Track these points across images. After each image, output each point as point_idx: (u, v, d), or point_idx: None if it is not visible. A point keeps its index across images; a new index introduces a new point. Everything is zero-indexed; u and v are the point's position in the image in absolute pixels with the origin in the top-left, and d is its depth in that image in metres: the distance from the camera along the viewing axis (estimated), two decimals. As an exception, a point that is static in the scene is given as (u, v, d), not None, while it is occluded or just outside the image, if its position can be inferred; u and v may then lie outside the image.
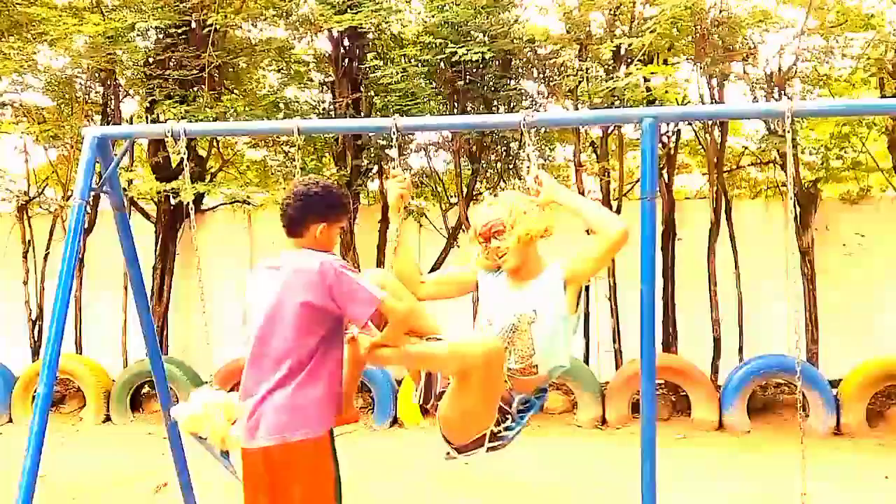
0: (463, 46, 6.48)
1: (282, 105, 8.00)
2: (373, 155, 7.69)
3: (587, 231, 2.79)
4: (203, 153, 8.51)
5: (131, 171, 8.16)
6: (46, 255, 8.17)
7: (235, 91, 8.18)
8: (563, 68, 7.24)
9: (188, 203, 3.50)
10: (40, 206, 8.51)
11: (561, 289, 2.69)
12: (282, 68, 8.30)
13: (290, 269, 2.55)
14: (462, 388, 2.48)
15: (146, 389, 7.54)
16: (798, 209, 7.19)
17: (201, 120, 6.71)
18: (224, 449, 2.80)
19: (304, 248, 2.63)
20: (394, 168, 2.93)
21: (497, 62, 7.35)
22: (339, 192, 2.71)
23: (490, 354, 2.39)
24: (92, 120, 8.17)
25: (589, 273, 2.75)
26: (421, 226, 8.01)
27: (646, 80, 5.84)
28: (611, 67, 7.14)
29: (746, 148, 8.35)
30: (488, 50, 6.59)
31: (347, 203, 2.72)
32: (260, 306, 2.59)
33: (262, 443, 2.47)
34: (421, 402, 2.75)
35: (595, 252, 2.68)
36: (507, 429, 2.66)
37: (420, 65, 7.09)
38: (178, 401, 5.86)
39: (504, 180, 8.09)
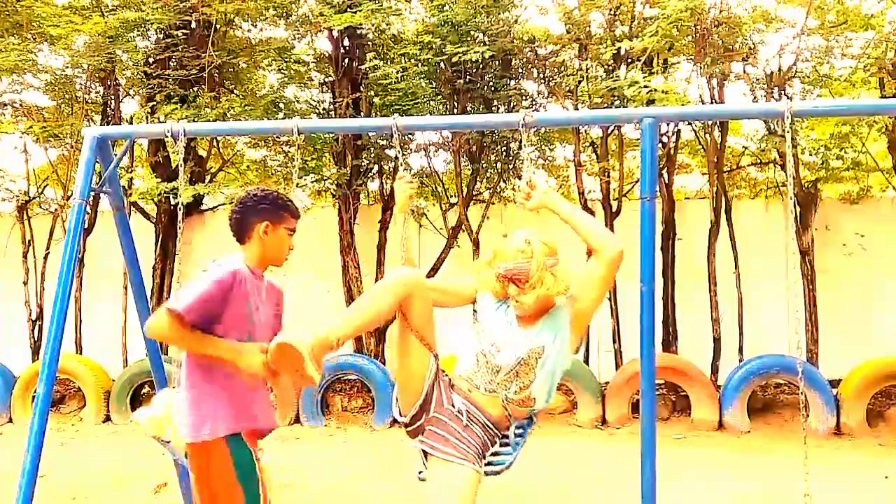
0: (463, 46, 6.48)
1: (282, 105, 8.00)
2: (373, 155, 7.69)
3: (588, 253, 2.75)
4: (203, 153, 8.52)
5: (131, 171, 8.16)
6: (46, 255, 8.17)
7: (235, 91, 8.18)
8: (563, 68, 7.24)
9: (186, 203, 3.50)
10: (40, 206, 8.51)
11: (567, 329, 2.71)
12: (282, 68, 8.30)
13: (210, 265, 2.63)
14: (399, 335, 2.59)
15: (146, 389, 7.54)
16: (798, 209, 7.19)
17: (201, 120, 6.71)
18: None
19: (247, 260, 2.64)
20: (402, 170, 2.91)
21: (497, 62, 7.35)
22: (278, 194, 2.71)
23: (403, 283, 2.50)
24: (92, 120, 8.17)
25: (593, 309, 2.75)
26: (421, 226, 8.01)
27: (646, 83, 5.83)
28: (611, 67, 7.15)
29: (746, 148, 8.36)
30: (488, 50, 6.59)
31: (288, 203, 2.71)
32: None
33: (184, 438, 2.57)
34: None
35: (596, 281, 2.69)
36: (503, 452, 2.70)
37: (420, 64, 7.09)
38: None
39: (504, 180, 8.09)
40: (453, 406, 2.67)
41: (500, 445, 2.72)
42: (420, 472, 2.74)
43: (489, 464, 2.67)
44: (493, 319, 2.75)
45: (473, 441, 2.62)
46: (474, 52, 6.37)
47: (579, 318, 2.73)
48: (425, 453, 2.66)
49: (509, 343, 2.68)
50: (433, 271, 7.56)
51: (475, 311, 2.81)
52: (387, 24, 7.05)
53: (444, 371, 2.75)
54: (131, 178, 8.05)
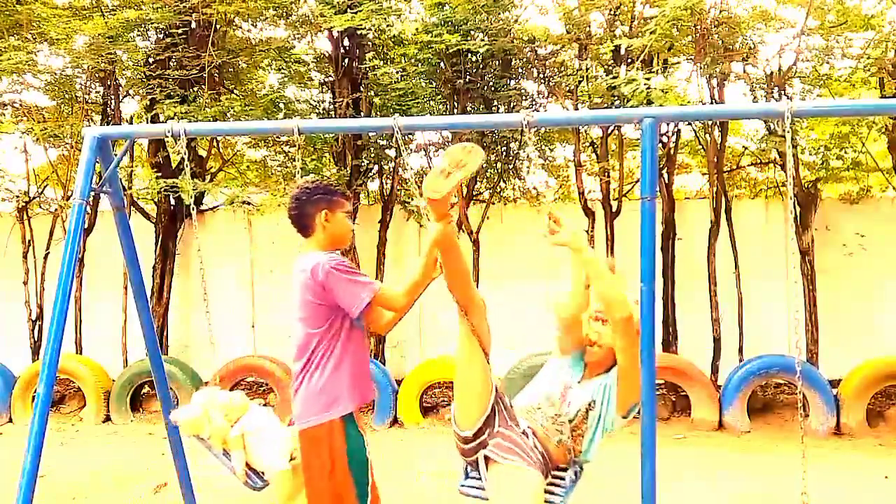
0: (462, 44, 6.47)
1: (282, 105, 8.00)
2: (373, 155, 7.68)
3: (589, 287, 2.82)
4: (203, 153, 8.52)
5: (132, 171, 8.16)
6: (46, 256, 8.17)
7: (235, 91, 8.18)
8: (563, 68, 7.24)
9: (189, 203, 3.51)
10: (40, 206, 8.51)
11: (614, 385, 2.84)
12: (282, 68, 8.29)
13: (297, 271, 2.78)
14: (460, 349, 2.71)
15: (146, 389, 7.54)
16: (798, 209, 7.19)
17: (201, 120, 6.71)
18: (225, 449, 2.82)
19: (314, 248, 2.82)
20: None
21: (497, 62, 7.35)
22: (329, 183, 2.91)
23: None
24: (92, 120, 8.17)
25: (630, 376, 2.81)
26: (421, 226, 8.01)
27: (647, 83, 5.82)
28: (611, 67, 7.15)
29: (746, 148, 8.35)
30: (487, 49, 6.59)
31: (339, 188, 2.91)
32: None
33: (296, 427, 2.74)
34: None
35: (619, 345, 2.77)
36: (557, 493, 2.80)
37: (420, 64, 7.09)
38: (177, 400, 5.89)
39: (504, 180, 8.09)
40: (518, 426, 2.79)
41: (553, 485, 2.82)
42: (462, 486, 2.84)
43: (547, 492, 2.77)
44: (563, 367, 2.92)
45: (539, 459, 2.74)
46: (474, 45, 6.33)
47: (622, 378, 2.82)
48: (486, 464, 2.72)
49: (574, 393, 2.84)
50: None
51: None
52: (387, 25, 7.04)
53: (502, 392, 2.85)
54: (131, 175, 8.05)
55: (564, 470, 2.86)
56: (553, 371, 2.95)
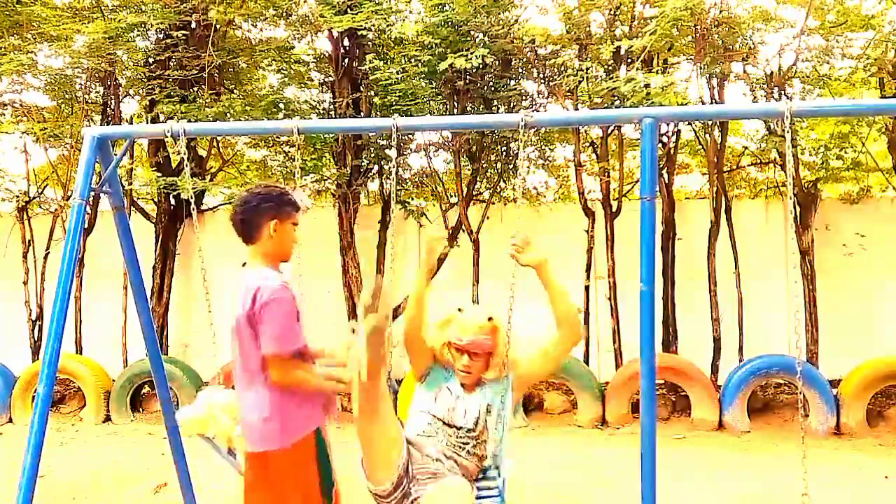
0: (461, 53, 6.45)
1: (282, 105, 8.00)
2: (373, 155, 7.68)
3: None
4: (203, 153, 8.52)
5: (132, 170, 8.16)
6: (46, 255, 8.17)
7: (235, 91, 8.18)
8: (563, 68, 7.23)
9: (189, 201, 3.50)
10: (40, 206, 8.51)
11: (510, 390, 2.81)
12: (282, 68, 8.29)
13: (242, 285, 2.66)
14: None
15: (146, 389, 7.54)
16: (798, 209, 7.19)
17: (201, 120, 6.71)
18: (230, 448, 2.83)
19: (259, 260, 2.71)
20: (434, 231, 2.87)
21: (497, 62, 7.35)
22: (281, 189, 2.76)
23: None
24: (92, 120, 8.17)
25: (535, 380, 2.90)
26: (421, 226, 8.01)
27: (647, 81, 5.83)
28: (611, 67, 7.14)
29: (746, 148, 8.36)
30: (488, 53, 6.58)
31: (290, 197, 2.77)
32: (231, 326, 2.70)
33: (249, 449, 2.64)
34: None
35: (549, 359, 2.83)
36: (491, 495, 2.79)
37: (420, 65, 7.09)
38: (177, 400, 5.89)
39: (504, 180, 8.09)
40: (430, 455, 2.69)
41: (484, 493, 2.79)
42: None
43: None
44: (442, 384, 2.81)
45: (458, 473, 2.70)
46: (475, 58, 6.34)
47: (522, 384, 2.88)
48: None
49: (464, 403, 2.76)
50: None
51: (427, 374, 2.85)
52: (388, 25, 7.04)
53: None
54: (131, 173, 8.05)
55: (493, 479, 2.82)
56: (427, 397, 2.80)
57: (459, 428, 2.73)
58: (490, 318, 2.76)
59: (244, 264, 2.73)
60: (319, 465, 2.64)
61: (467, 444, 2.73)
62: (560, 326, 2.77)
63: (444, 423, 2.73)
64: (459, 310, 2.81)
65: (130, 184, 7.80)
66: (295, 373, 2.60)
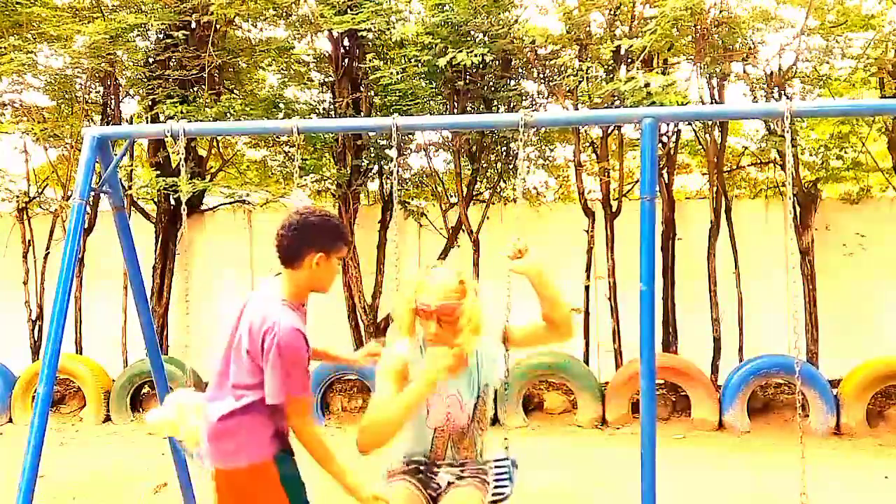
0: (461, 51, 6.46)
1: (282, 105, 8.00)
2: (373, 155, 7.68)
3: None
4: (203, 153, 8.52)
5: (132, 171, 8.16)
6: (46, 256, 8.17)
7: (235, 91, 8.18)
8: (563, 68, 7.23)
9: (185, 203, 3.49)
10: (40, 206, 8.51)
11: (495, 351, 2.75)
12: (282, 68, 8.30)
13: (255, 305, 2.51)
14: None
15: (146, 389, 7.54)
16: (798, 209, 7.19)
17: (201, 120, 6.71)
18: (200, 448, 2.81)
19: (287, 286, 2.54)
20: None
21: (497, 62, 7.35)
22: (338, 222, 2.60)
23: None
24: (92, 120, 8.17)
25: (522, 345, 2.82)
26: (421, 226, 8.01)
27: (647, 80, 5.82)
28: (611, 67, 7.14)
29: (746, 148, 8.35)
30: (488, 51, 6.58)
31: (346, 233, 2.61)
32: (230, 330, 2.58)
33: (217, 465, 2.54)
34: None
35: (538, 337, 2.75)
36: (503, 478, 2.80)
37: (420, 65, 7.09)
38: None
39: (504, 180, 8.09)
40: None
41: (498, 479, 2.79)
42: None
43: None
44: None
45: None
46: (474, 56, 6.35)
47: (507, 340, 2.77)
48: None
49: (457, 395, 2.64)
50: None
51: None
52: (388, 25, 7.04)
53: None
54: (131, 173, 8.05)
55: (503, 464, 2.83)
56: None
57: (464, 424, 2.64)
58: (461, 281, 2.56)
59: (278, 274, 2.58)
60: (286, 487, 2.51)
61: (472, 430, 2.68)
62: (553, 323, 2.65)
63: (451, 427, 2.65)
64: (428, 270, 2.65)
65: (130, 187, 7.80)
66: (314, 428, 2.50)
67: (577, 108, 7.15)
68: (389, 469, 2.78)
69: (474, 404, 2.66)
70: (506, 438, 2.87)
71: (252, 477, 2.48)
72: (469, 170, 7.79)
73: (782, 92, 7.01)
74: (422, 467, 2.72)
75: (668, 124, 6.97)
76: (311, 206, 2.65)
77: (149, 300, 4.21)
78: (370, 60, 6.86)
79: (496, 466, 2.81)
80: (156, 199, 8.13)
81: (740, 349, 7.18)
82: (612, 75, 6.83)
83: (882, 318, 7.30)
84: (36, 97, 8.22)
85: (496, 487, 2.76)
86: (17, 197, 8.26)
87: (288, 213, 2.60)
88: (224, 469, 2.52)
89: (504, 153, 7.96)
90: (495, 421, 5.99)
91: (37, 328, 8.14)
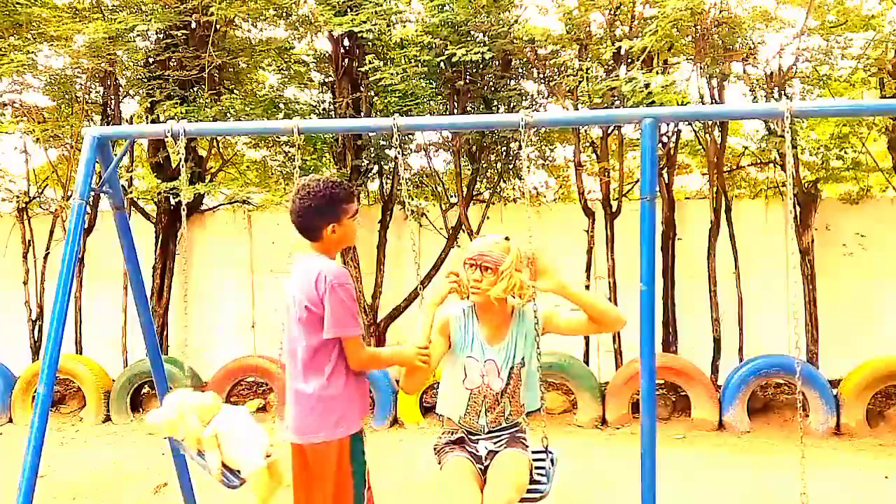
0: (462, 47, 6.47)
1: (282, 105, 8.00)
2: (373, 155, 7.69)
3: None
4: (203, 153, 8.52)
5: (131, 171, 8.16)
6: (46, 256, 8.17)
7: (235, 91, 8.19)
8: (563, 68, 7.24)
9: (184, 204, 3.49)
10: (40, 206, 8.51)
11: (533, 332, 2.83)
12: (282, 68, 8.30)
13: (300, 271, 2.74)
14: None
15: (146, 389, 7.54)
16: (798, 209, 7.19)
17: (201, 120, 6.71)
18: (200, 449, 2.82)
19: (318, 251, 2.77)
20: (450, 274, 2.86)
21: (497, 62, 7.35)
22: (342, 185, 2.78)
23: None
24: (92, 120, 8.17)
25: (565, 333, 2.89)
26: (421, 226, 8.01)
27: (647, 81, 5.82)
28: (611, 67, 7.14)
29: (746, 148, 8.35)
30: (488, 50, 6.58)
31: (352, 191, 2.80)
32: (286, 309, 2.80)
33: (293, 440, 2.72)
34: None
35: (581, 326, 2.83)
36: (542, 474, 2.94)
37: (420, 65, 7.09)
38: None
39: (504, 180, 8.09)
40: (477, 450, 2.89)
41: (537, 472, 2.93)
42: None
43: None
44: (465, 347, 2.86)
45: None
46: (474, 53, 6.35)
47: (548, 328, 2.85)
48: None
49: (491, 364, 2.83)
50: (434, 270, 7.56)
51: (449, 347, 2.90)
52: (388, 27, 7.04)
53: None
54: (131, 178, 8.05)
55: (542, 458, 2.94)
56: (458, 363, 2.88)
57: (498, 392, 2.81)
58: (507, 238, 2.84)
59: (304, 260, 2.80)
60: (354, 465, 2.69)
61: (508, 407, 2.84)
62: (596, 324, 2.78)
63: (482, 396, 2.83)
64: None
65: (130, 187, 7.80)
66: (366, 350, 2.71)
67: (577, 108, 7.16)
68: (436, 444, 2.96)
69: (508, 373, 2.82)
70: (545, 435, 2.92)
71: (335, 451, 2.64)
72: (469, 170, 7.79)
73: (782, 92, 7.01)
74: (465, 439, 2.89)
75: (668, 124, 6.97)
76: (309, 181, 2.77)
77: (149, 300, 4.21)
78: (370, 61, 6.86)
79: (534, 460, 2.93)
80: (156, 200, 8.13)
81: (740, 349, 7.19)
82: (612, 75, 6.82)
83: (882, 318, 7.30)
84: (36, 97, 8.23)
85: (533, 483, 2.85)
86: (17, 197, 8.26)
87: (296, 188, 2.78)
88: (309, 444, 2.66)
89: (504, 153, 7.96)
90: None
91: (37, 328, 8.14)
